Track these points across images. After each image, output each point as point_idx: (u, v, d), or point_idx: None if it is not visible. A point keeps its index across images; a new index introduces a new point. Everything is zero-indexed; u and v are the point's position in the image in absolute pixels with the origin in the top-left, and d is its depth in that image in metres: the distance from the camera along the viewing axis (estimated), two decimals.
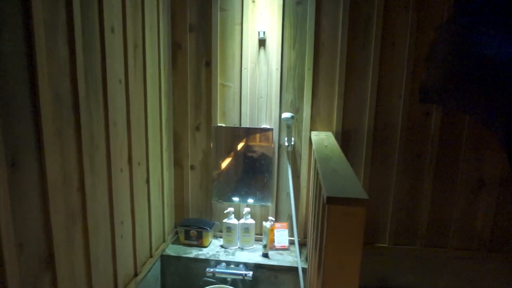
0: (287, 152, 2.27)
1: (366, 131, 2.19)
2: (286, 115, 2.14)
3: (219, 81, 2.26)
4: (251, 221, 2.30)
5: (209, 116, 2.31)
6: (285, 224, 2.34)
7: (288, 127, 2.16)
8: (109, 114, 1.53)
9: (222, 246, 2.33)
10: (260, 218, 2.40)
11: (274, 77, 2.22)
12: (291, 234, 2.36)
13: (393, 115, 2.18)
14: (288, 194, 2.34)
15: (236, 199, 2.37)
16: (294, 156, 2.30)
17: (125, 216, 1.74)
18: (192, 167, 2.39)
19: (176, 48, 2.26)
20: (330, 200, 1.02)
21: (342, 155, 1.58)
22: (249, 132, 2.29)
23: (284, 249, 2.30)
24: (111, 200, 1.60)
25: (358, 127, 2.21)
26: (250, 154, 2.31)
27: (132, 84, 1.73)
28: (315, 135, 2.08)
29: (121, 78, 1.65)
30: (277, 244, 2.30)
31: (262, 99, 2.26)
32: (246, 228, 2.29)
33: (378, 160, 2.22)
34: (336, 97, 2.18)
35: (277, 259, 2.19)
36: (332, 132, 2.23)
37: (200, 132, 2.35)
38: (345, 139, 2.22)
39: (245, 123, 2.29)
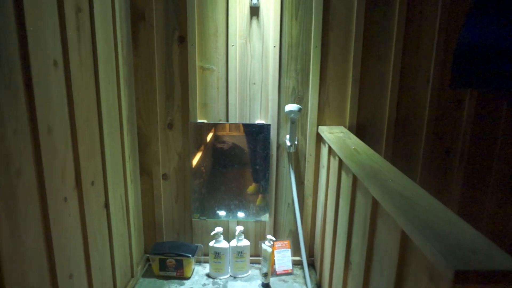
0: (289, 153, 1.79)
1: (386, 123, 1.76)
2: (291, 107, 1.64)
3: (197, 62, 1.71)
4: (246, 242, 1.81)
5: (185, 109, 1.76)
6: (286, 242, 1.88)
7: (293, 122, 1.67)
8: (37, 117, 0.95)
9: (209, 276, 1.82)
10: (254, 236, 1.92)
11: (271, 57, 1.70)
12: (293, 253, 1.90)
13: (419, 103, 1.76)
14: (290, 205, 1.87)
15: (223, 213, 1.87)
16: (297, 158, 1.82)
17: (74, 265, 1.18)
18: (164, 177, 1.84)
19: (137, 18, 1.66)
20: (462, 277, 0.55)
21: (391, 165, 1.12)
22: (239, 130, 1.77)
23: (287, 273, 1.84)
24: (50, 248, 1.03)
25: (376, 119, 1.77)
26: (240, 158, 1.80)
27: (75, 68, 1.15)
28: (327, 132, 1.62)
29: (57, 59, 1.06)
30: (278, 268, 1.84)
31: (255, 86, 1.74)
32: (239, 252, 1.80)
33: (399, 158, 1.81)
34: (350, 82, 1.72)
35: None
36: (345, 126, 1.77)
37: (173, 131, 1.79)
38: (359, 134, 1.77)
39: (234, 118, 1.76)
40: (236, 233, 1.79)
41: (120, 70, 1.51)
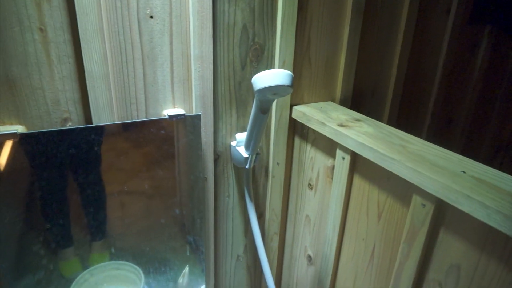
0: (247, 172, 0.85)
1: (393, 86, 1.02)
2: (275, 76, 0.64)
3: None
4: None
5: None
6: None
7: (265, 111, 0.71)
8: None
9: None
10: None
11: None
12: None
13: (433, 51, 1.06)
14: (241, 257, 0.99)
15: None
16: (254, 176, 0.91)
17: None
18: None
19: None
20: None
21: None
22: (120, 138, 0.71)
23: None
24: None
25: (379, 84, 1.00)
26: (132, 198, 0.76)
27: None
28: (327, 120, 0.76)
29: None
30: None
31: (154, 24, 0.68)
32: None
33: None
34: (348, 18, 0.86)
35: None
36: (334, 100, 0.94)
37: None
38: (354, 107, 0.98)
39: (105, 113, 0.68)
40: None
41: None
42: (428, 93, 1.12)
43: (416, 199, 0.61)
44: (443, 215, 0.58)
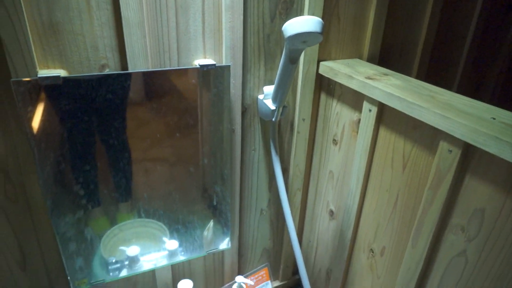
0: (273, 124, 0.88)
1: (422, 46, 1.00)
2: (305, 23, 0.65)
3: None
4: None
5: None
6: (264, 272, 1.08)
7: (293, 61, 0.73)
8: None
9: None
10: (205, 281, 1.04)
11: None
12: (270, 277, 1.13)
13: (466, 10, 1.03)
14: (264, 211, 1.03)
15: (133, 252, 0.91)
16: (279, 131, 0.94)
17: None
18: None
19: None
20: None
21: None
22: (154, 85, 0.74)
23: None
24: None
25: (408, 42, 0.99)
26: (165, 150, 0.80)
27: None
28: (357, 74, 0.77)
29: None
30: None
31: None
32: None
33: None
34: None
35: None
36: (361, 57, 0.94)
37: None
38: (381, 66, 0.97)
39: (140, 60, 0.71)
40: None
41: None
42: (458, 56, 1.10)
43: (443, 146, 0.62)
44: (469, 160, 0.59)
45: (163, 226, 0.93)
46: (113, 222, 0.86)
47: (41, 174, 0.70)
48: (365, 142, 0.79)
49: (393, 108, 0.69)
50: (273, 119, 0.84)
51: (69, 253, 0.81)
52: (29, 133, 0.67)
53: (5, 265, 0.77)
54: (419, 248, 0.69)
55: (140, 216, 0.87)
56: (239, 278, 0.96)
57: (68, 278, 0.83)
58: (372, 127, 0.76)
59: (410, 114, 0.65)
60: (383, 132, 0.75)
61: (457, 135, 0.58)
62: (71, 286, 0.84)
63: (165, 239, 0.92)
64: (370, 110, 0.76)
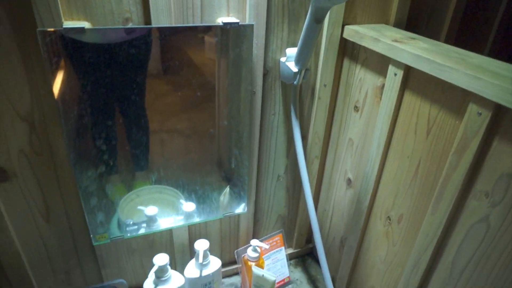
0: (294, 88, 0.87)
1: (451, 13, 0.96)
2: None
3: None
4: (215, 265, 0.95)
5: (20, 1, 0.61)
6: (278, 238, 1.09)
7: (318, 21, 0.71)
8: None
9: None
10: (221, 242, 1.06)
11: None
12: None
13: None
14: (281, 177, 1.03)
15: (151, 212, 0.93)
16: (299, 97, 0.93)
17: None
18: (3, 175, 0.74)
19: None
20: None
21: None
22: (176, 41, 0.73)
23: (283, 284, 1.11)
24: None
25: (437, 8, 0.95)
26: (183, 107, 0.80)
27: None
28: (382, 37, 0.74)
29: None
30: None
31: None
32: (206, 285, 0.94)
33: None
34: None
35: None
36: (387, 23, 0.91)
37: None
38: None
39: (163, 15, 0.70)
40: (200, 258, 0.90)
41: None
42: (490, 25, 1.05)
43: (472, 108, 0.60)
44: (499, 123, 0.57)
45: (179, 193, 0.95)
46: (130, 189, 0.88)
47: (65, 127, 0.72)
48: (388, 108, 0.77)
49: (421, 72, 0.67)
50: (295, 82, 0.83)
51: (90, 208, 0.83)
52: (53, 85, 0.68)
53: (30, 216, 0.80)
54: (439, 215, 0.68)
55: (157, 182, 0.89)
56: (254, 242, 0.97)
57: (90, 232, 0.85)
58: (397, 92, 0.74)
59: (439, 77, 0.63)
60: (408, 97, 0.74)
61: (488, 96, 0.56)
62: (92, 240, 0.87)
63: (182, 201, 0.93)
64: (395, 74, 0.74)
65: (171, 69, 0.75)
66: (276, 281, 1.06)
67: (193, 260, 0.94)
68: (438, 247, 0.71)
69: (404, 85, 0.74)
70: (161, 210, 0.93)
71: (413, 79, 0.72)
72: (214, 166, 0.91)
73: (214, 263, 0.94)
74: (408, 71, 0.72)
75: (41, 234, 0.83)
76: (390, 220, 0.84)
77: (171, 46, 0.73)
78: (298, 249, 1.19)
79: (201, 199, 0.94)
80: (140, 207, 0.93)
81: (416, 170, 0.74)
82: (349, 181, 0.97)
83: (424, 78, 0.69)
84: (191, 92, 0.79)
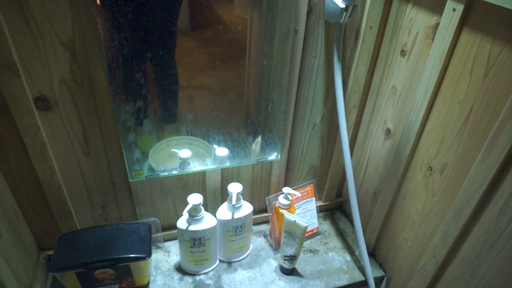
0: (339, 27, 0.82)
1: None
2: None
3: None
4: (246, 209, 0.96)
5: None
6: (309, 188, 1.09)
7: None
8: None
9: (181, 270, 0.99)
10: (252, 186, 1.07)
11: None
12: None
13: None
14: (317, 126, 1.01)
15: (185, 154, 0.93)
16: (343, 39, 0.88)
17: None
18: (44, 103, 0.74)
19: None
20: None
21: None
22: None
23: (312, 235, 1.12)
24: None
25: None
26: (223, 44, 0.78)
27: None
28: None
29: None
30: None
31: None
32: (237, 228, 0.96)
33: None
34: None
35: (313, 270, 1.02)
36: None
37: None
38: None
39: None
40: (233, 200, 0.91)
41: None
42: None
43: None
44: None
45: (209, 144, 0.94)
46: (160, 140, 0.88)
47: (106, 57, 0.71)
48: (441, 49, 0.72)
49: (484, 4, 0.61)
50: (341, 21, 0.78)
51: (128, 143, 0.84)
52: (95, 13, 0.66)
53: (70, 147, 0.81)
54: (490, 161, 0.65)
55: (188, 134, 0.88)
56: (286, 189, 0.97)
57: (126, 167, 0.87)
58: (454, 30, 0.69)
59: (508, 7, 0.57)
60: (465, 36, 0.68)
61: None
62: (129, 176, 0.89)
63: (215, 145, 0.93)
64: (454, 10, 0.68)
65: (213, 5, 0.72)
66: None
67: (225, 203, 0.95)
68: (485, 196, 0.68)
69: (463, 22, 0.68)
70: (192, 160, 0.93)
71: (475, 14, 0.66)
72: (250, 107, 0.89)
73: (246, 207, 0.95)
74: (470, 4, 0.66)
75: (80, 167, 0.85)
76: (431, 170, 0.80)
77: None
78: (327, 202, 1.19)
79: (234, 143, 0.94)
80: (174, 150, 0.93)
81: (468, 116, 0.70)
82: (388, 132, 0.93)
83: (488, 12, 0.63)
84: (232, 27, 0.76)
